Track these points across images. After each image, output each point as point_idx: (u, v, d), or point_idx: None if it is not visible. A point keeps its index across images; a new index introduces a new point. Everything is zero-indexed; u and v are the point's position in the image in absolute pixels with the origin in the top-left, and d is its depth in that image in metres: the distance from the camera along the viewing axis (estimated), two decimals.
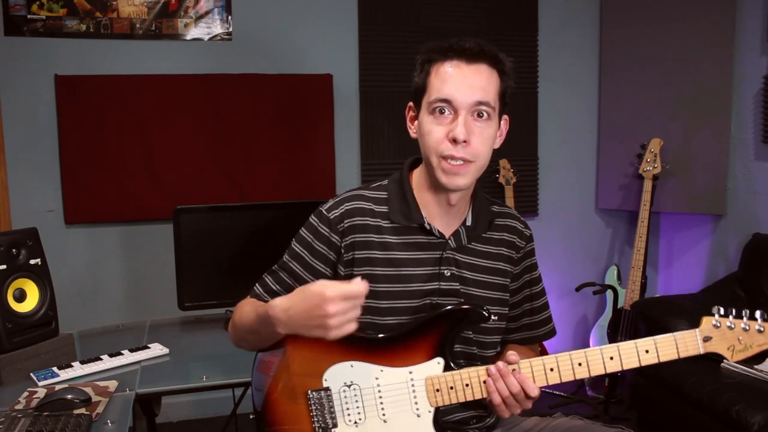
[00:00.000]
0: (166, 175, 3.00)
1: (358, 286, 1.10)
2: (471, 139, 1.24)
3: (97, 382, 1.63)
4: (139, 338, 2.03)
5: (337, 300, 1.09)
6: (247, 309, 1.31)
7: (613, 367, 1.22)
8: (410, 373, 1.26)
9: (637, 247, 3.17)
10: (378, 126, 3.26)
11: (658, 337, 1.20)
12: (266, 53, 3.10)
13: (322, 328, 1.11)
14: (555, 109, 3.56)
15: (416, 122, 1.32)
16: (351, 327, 1.12)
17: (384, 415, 1.25)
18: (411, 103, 1.34)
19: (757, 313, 1.20)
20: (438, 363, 1.26)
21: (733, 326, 1.20)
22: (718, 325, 1.20)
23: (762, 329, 1.19)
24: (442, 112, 1.25)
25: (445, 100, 1.24)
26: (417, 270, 1.32)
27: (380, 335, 1.29)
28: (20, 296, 1.72)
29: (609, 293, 3.33)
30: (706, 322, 1.21)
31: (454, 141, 1.23)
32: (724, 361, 2.41)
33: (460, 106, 1.24)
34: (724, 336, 1.20)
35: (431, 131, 1.26)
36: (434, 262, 1.33)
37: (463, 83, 1.24)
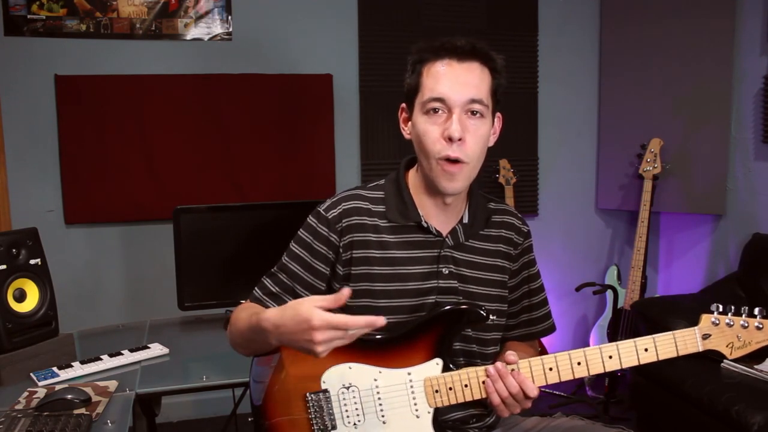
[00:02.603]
0: (166, 175, 2.99)
1: (344, 318, 1.05)
2: (466, 137, 1.24)
3: (97, 382, 1.63)
4: (139, 338, 2.03)
5: (323, 329, 1.06)
6: (242, 316, 1.29)
7: (613, 366, 1.22)
8: (409, 374, 1.26)
9: (637, 247, 3.17)
10: (378, 126, 3.26)
11: (658, 336, 1.20)
12: (266, 53, 3.10)
13: (309, 349, 1.09)
14: (555, 109, 3.56)
15: (410, 123, 1.32)
16: (340, 344, 1.09)
17: (383, 416, 1.25)
18: (404, 105, 1.34)
19: (756, 310, 1.20)
20: (437, 364, 1.26)
21: (732, 323, 1.20)
22: (717, 322, 1.20)
23: (761, 326, 1.19)
24: (435, 111, 1.25)
25: (439, 99, 1.24)
26: (415, 268, 1.32)
27: (378, 336, 1.29)
28: (20, 296, 1.72)
29: (609, 293, 3.33)
30: (705, 319, 1.21)
31: (449, 139, 1.23)
32: (724, 360, 2.42)
33: (454, 104, 1.24)
34: (723, 333, 1.20)
35: (426, 131, 1.26)
36: (432, 261, 1.33)
37: (456, 81, 1.24)
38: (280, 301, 1.34)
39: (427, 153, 1.26)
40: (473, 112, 1.25)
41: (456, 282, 1.34)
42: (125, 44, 2.94)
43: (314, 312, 1.06)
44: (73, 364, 1.73)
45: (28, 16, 2.82)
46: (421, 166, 1.32)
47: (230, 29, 3.05)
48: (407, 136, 1.34)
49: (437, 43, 1.27)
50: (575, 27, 3.55)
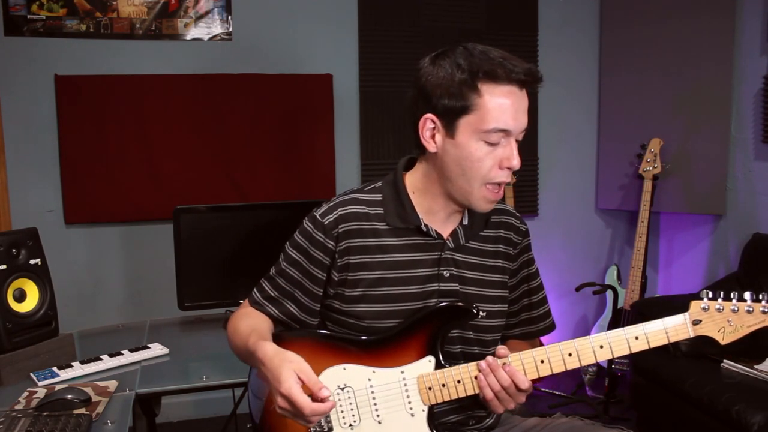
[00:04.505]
0: (166, 175, 3.00)
1: (303, 403, 1.09)
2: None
3: (97, 382, 1.63)
4: (139, 338, 2.03)
5: (284, 398, 1.11)
6: (241, 329, 1.30)
7: (604, 355, 1.22)
8: (402, 372, 1.26)
9: (637, 247, 3.17)
10: (378, 126, 3.26)
11: (648, 323, 1.20)
12: (266, 53, 3.10)
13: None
14: (555, 109, 3.56)
15: (438, 137, 1.25)
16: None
17: (378, 416, 1.25)
18: (432, 116, 1.24)
19: (746, 294, 1.19)
20: (429, 361, 1.26)
21: (722, 308, 1.19)
22: (707, 308, 1.19)
23: (751, 309, 1.18)
24: (498, 140, 1.22)
25: (504, 131, 1.22)
26: (415, 272, 1.32)
27: (371, 337, 1.29)
28: (20, 296, 1.72)
29: (609, 293, 3.33)
30: (695, 305, 1.20)
31: (509, 168, 1.23)
32: (724, 360, 2.42)
33: (513, 134, 1.23)
34: (714, 319, 1.19)
35: (483, 159, 1.22)
36: (433, 263, 1.32)
37: (518, 112, 1.22)
38: (280, 305, 1.34)
39: (475, 177, 1.24)
40: (520, 137, 1.25)
41: (457, 284, 1.33)
42: (125, 44, 2.94)
43: (288, 381, 1.10)
44: (73, 364, 1.73)
45: (28, 16, 2.82)
46: (450, 184, 1.27)
47: (230, 29, 3.05)
48: (433, 150, 1.26)
49: (498, 61, 1.20)
50: (575, 27, 3.55)
